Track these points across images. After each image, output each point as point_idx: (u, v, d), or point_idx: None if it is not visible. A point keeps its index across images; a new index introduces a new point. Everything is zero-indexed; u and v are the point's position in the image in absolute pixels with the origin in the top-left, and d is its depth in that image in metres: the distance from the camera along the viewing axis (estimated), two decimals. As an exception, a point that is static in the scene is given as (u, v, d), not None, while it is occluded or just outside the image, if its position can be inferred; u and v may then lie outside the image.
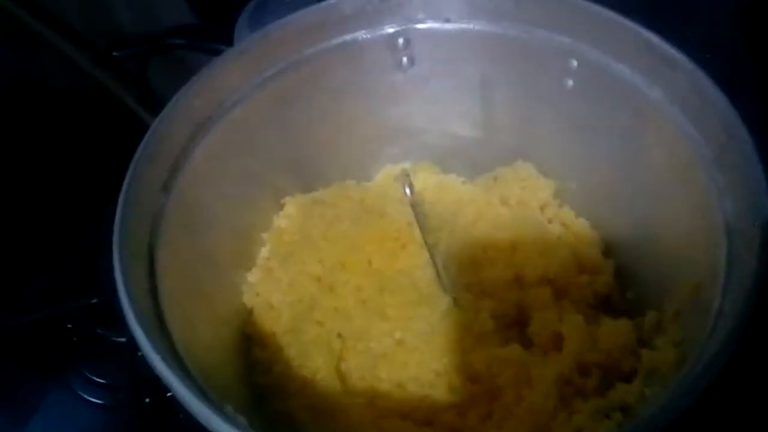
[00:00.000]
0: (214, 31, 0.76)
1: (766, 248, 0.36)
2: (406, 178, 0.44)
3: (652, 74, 0.48)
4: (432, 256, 0.50)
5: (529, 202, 0.59)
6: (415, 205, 0.46)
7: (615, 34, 0.49)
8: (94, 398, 0.62)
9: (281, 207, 0.60)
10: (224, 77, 0.52)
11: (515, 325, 0.53)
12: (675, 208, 0.47)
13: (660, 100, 0.48)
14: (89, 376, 0.64)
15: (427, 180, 0.60)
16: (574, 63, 0.53)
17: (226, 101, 0.52)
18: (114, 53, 0.80)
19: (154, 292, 0.43)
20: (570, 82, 0.54)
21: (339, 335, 0.51)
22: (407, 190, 0.44)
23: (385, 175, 0.62)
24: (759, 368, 0.43)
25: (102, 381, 0.63)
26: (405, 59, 0.58)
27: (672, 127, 0.47)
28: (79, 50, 0.76)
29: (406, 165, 0.62)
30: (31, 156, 0.72)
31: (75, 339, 0.66)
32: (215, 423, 0.34)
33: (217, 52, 0.53)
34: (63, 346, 0.65)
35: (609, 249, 0.56)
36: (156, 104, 0.53)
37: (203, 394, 0.37)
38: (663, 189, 0.49)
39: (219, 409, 0.36)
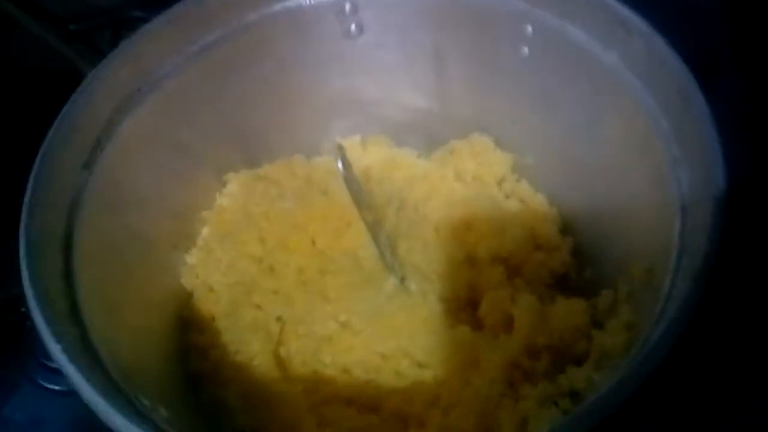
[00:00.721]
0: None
1: (717, 229, 0.33)
2: (339, 151, 0.41)
3: (608, 38, 0.45)
4: (373, 235, 0.47)
5: (485, 177, 0.56)
6: (350, 181, 0.43)
7: (569, -4, 0.46)
8: (49, 384, 0.59)
9: (224, 184, 0.57)
10: (155, 46, 0.48)
11: (467, 306, 0.50)
12: (632, 182, 0.45)
13: (616, 66, 0.45)
14: (44, 361, 0.61)
15: (377, 154, 0.57)
16: (529, 29, 0.49)
17: (156, 71, 0.49)
18: (71, 27, 0.77)
19: (69, 277, 0.40)
20: (525, 50, 0.51)
21: (278, 319, 0.49)
22: (339, 165, 0.41)
23: (333, 149, 0.59)
24: (709, 354, 0.41)
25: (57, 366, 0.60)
26: (353, 26, 0.54)
27: (628, 95, 0.44)
28: (46, 27, 0.72)
29: (357, 138, 0.59)
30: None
31: (29, 323, 0.63)
32: (116, 419, 0.31)
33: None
34: (15, 330, 0.62)
35: (567, 226, 0.54)
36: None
37: (111, 387, 0.34)
38: (621, 162, 0.46)
39: (128, 403, 0.33)
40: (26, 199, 0.40)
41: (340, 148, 0.41)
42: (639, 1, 0.43)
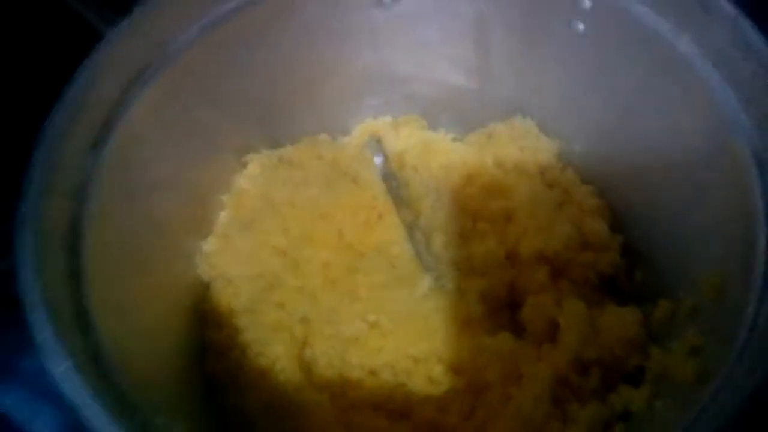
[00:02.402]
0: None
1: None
2: (376, 145, 0.36)
3: (682, 19, 0.40)
4: (410, 235, 0.43)
5: (527, 165, 0.52)
6: (389, 178, 0.38)
7: (638, -33, 0.41)
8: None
9: (244, 165, 0.52)
10: (168, 16, 0.44)
11: (507, 308, 0.47)
12: (701, 180, 0.40)
13: (689, 52, 0.40)
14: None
15: (411, 138, 0.52)
16: (587, 2, 0.44)
17: (170, 44, 0.44)
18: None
19: (76, 277, 0.36)
20: (581, 26, 0.46)
21: (303, 320, 0.45)
22: (378, 160, 0.36)
23: (362, 130, 0.54)
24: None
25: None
26: (387, -6, 0.49)
27: (703, 85, 0.39)
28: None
29: (387, 118, 0.54)
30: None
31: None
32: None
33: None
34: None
35: (617, 221, 0.49)
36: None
37: (127, 412, 0.31)
38: (687, 156, 0.42)
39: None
40: (27, 187, 0.36)
41: (378, 141, 0.37)
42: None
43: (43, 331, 0.31)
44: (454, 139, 0.55)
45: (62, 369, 0.30)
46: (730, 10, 0.37)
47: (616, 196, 0.50)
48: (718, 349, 0.33)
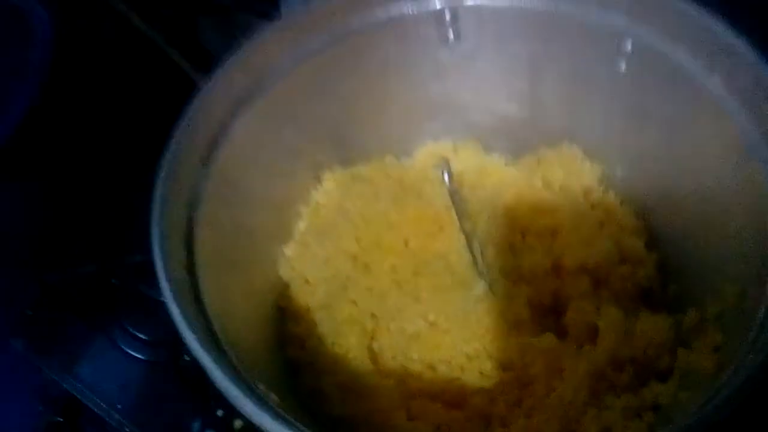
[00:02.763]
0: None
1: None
2: (445, 165, 0.43)
3: (711, 63, 0.45)
4: (469, 244, 0.49)
5: (573, 187, 0.58)
6: (454, 193, 0.45)
7: (673, 16, 0.47)
8: (135, 353, 0.64)
9: (320, 180, 0.60)
10: (266, 51, 0.51)
11: (551, 313, 0.52)
12: (727, 205, 0.45)
13: (719, 91, 0.45)
14: (131, 330, 0.65)
15: (468, 161, 0.59)
16: (629, 45, 0.50)
17: (267, 77, 0.52)
18: (163, 11, 0.81)
19: (191, 267, 0.43)
20: (623, 65, 0.51)
21: (372, 315, 0.52)
22: (446, 178, 0.43)
23: (425, 152, 0.61)
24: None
25: (143, 337, 0.65)
26: (451, 34, 0.56)
27: (730, 120, 0.44)
28: (129, 5, 0.76)
29: (447, 142, 0.61)
30: (78, 111, 0.72)
31: (118, 294, 0.67)
32: (248, 406, 0.35)
33: (264, 13, 0.52)
34: (107, 300, 0.66)
35: (653, 240, 0.55)
36: (203, 60, 0.53)
37: (236, 373, 0.38)
38: (715, 184, 0.47)
39: (252, 390, 0.37)
40: (156, 194, 0.43)
41: (446, 163, 0.44)
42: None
43: (177, 311, 0.38)
44: (507, 163, 0.61)
45: (190, 340, 0.37)
46: (753, 56, 0.42)
47: (652, 216, 0.55)
48: (734, 345, 0.38)
